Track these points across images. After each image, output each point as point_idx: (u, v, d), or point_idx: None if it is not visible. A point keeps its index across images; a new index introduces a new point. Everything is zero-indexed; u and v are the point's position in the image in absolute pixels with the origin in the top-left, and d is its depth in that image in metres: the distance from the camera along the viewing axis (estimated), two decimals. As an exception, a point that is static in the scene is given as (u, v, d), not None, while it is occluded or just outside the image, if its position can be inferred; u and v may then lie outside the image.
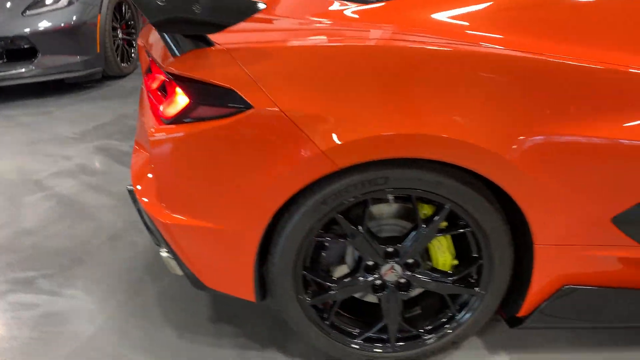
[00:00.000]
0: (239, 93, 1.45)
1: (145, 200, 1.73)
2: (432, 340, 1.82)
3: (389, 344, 1.83)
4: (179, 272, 1.78)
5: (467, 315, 1.78)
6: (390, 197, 1.68)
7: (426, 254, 1.79)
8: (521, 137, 1.47)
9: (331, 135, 1.45)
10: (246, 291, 1.74)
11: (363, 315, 1.90)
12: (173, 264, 1.77)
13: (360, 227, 1.64)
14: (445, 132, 1.45)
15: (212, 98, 1.49)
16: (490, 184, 1.56)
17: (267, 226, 1.60)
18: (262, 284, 1.76)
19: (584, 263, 1.67)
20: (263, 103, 1.45)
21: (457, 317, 1.80)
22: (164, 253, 1.78)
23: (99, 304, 2.23)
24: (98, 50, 5.02)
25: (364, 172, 1.52)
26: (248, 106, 1.45)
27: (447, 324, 1.82)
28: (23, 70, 4.69)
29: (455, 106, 1.45)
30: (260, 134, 1.48)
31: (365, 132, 1.45)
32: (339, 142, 1.44)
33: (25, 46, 4.68)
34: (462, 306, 1.81)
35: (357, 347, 1.83)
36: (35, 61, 4.69)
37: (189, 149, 1.55)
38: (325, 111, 1.46)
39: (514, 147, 1.47)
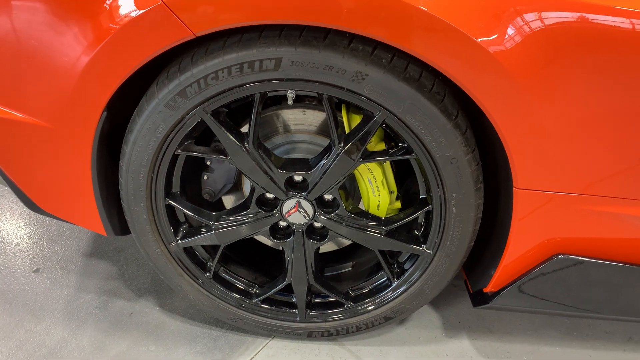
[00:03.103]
0: None
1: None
2: (354, 311, 1.28)
3: (295, 310, 1.30)
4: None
5: (405, 286, 1.22)
6: (291, 94, 1.08)
7: (355, 192, 1.23)
8: (510, 8, 0.85)
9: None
10: (91, 220, 1.22)
11: (270, 268, 1.37)
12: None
13: (247, 142, 1.07)
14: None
15: None
16: (452, 85, 0.95)
17: (102, 127, 1.05)
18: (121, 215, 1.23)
19: (590, 223, 1.08)
20: None
21: (393, 285, 1.24)
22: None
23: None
24: None
25: (243, 48, 0.94)
26: None
27: (374, 294, 1.27)
28: None
29: None
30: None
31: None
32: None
33: None
34: (402, 270, 1.25)
35: (250, 312, 1.30)
36: None
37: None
38: None
39: (498, 25, 0.85)
